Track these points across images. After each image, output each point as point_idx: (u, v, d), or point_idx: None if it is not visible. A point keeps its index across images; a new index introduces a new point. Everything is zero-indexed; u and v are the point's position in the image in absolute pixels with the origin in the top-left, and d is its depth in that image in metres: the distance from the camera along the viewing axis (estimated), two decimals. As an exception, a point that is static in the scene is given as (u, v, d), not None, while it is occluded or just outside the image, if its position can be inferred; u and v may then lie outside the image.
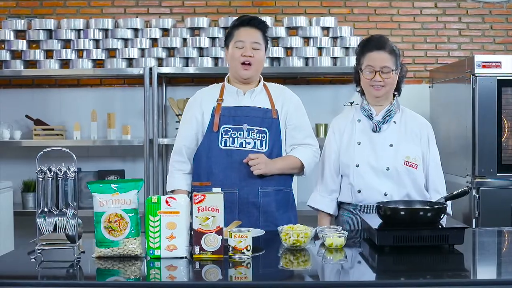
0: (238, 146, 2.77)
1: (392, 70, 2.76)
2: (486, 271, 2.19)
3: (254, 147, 2.78)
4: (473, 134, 3.80)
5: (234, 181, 2.75)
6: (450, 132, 4.13)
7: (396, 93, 2.88)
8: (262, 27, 2.86)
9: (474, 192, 3.76)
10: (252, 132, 2.78)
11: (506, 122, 3.86)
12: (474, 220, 3.76)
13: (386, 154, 2.77)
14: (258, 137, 2.79)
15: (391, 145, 2.78)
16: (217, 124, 2.79)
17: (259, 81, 2.91)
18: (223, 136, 2.78)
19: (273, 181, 2.80)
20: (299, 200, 3.83)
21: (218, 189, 2.19)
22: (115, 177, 4.37)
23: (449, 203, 2.79)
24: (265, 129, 2.80)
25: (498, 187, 3.78)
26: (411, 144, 2.80)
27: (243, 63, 2.80)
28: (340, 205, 2.90)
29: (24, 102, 4.61)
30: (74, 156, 2.18)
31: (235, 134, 2.79)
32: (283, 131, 2.86)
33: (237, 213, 2.75)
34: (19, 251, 2.54)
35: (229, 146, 2.78)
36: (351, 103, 4.33)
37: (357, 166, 2.77)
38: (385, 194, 2.73)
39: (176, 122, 4.45)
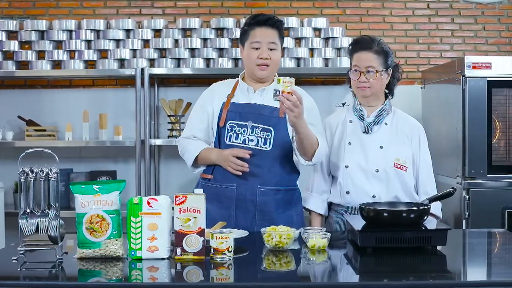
0: (241, 142, 2.76)
1: (377, 71, 2.76)
2: (469, 273, 2.19)
3: (257, 144, 2.76)
4: (463, 135, 3.78)
5: (233, 177, 2.74)
6: (441, 133, 4.13)
7: (389, 94, 2.88)
8: (278, 26, 2.84)
9: (464, 193, 3.75)
10: (256, 130, 2.76)
11: (497, 123, 3.84)
12: (464, 222, 3.75)
13: (376, 155, 2.76)
14: (262, 135, 2.76)
15: (381, 147, 2.78)
16: (224, 119, 2.79)
17: (273, 79, 2.89)
18: (229, 131, 2.78)
19: (274, 179, 2.77)
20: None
21: (200, 190, 2.19)
22: (107, 178, 4.37)
23: (439, 205, 2.80)
24: (270, 127, 2.77)
25: (488, 188, 3.77)
26: (402, 146, 2.80)
27: (259, 65, 2.79)
28: (330, 206, 2.90)
29: (16, 103, 4.61)
30: (56, 157, 2.19)
31: (240, 130, 2.78)
32: (290, 131, 2.79)
33: (234, 209, 2.75)
34: (4, 251, 2.55)
35: (233, 142, 2.77)
36: (343, 104, 4.33)
37: (347, 167, 2.77)
38: (373, 196, 2.72)
39: (168, 123, 4.45)
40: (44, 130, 4.45)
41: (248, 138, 2.77)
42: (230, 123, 2.79)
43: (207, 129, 2.87)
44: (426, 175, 2.85)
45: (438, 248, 2.29)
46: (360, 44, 2.82)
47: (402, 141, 2.81)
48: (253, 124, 2.74)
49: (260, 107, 2.80)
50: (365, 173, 2.76)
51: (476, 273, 2.20)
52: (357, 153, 2.78)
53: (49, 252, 2.15)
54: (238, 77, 2.93)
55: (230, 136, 2.77)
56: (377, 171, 2.74)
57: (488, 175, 3.76)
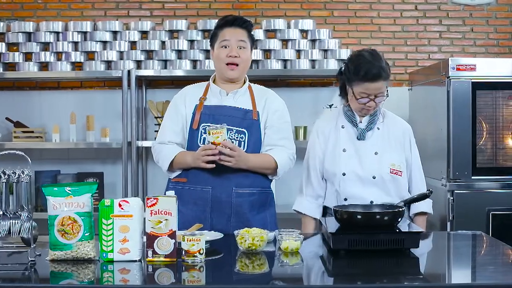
0: None
1: (386, 95, 2.74)
2: (442, 275, 2.19)
3: None
4: (448, 137, 3.78)
5: (208, 179, 2.74)
6: (427, 135, 4.13)
7: None
8: (247, 26, 2.85)
9: (449, 195, 3.74)
10: (230, 132, 2.75)
11: (484, 125, 3.84)
12: (449, 224, 3.75)
13: (371, 162, 2.76)
14: (237, 137, 2.76)
15: (376, 153, 2.78)
16: (197, 122, 2.79)
17: (244, 82, 2.90)
18: (202, 134, 2.77)
19: (248, 181, 2.77)
20: (279, 203, 3.75)
21: (172, 193, 2.19)
22: (94, 180, 4.37)
23: (430, 202, 2.80)
24: (244, 129, 2.77)
25: (472, 190, 3.76)
26: (395, 151, 2.81)
27: (229, 64, 2.79)
28: (325, 209, 2.89)
29: (4, 105, 4.62)
30: (29, 159, 2.19)
31: None
32: (263, 133, 2.84)
33: (209, 211, 2.75)
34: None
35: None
36: (331, 106, 4.33)
37: (344, 175, 2.76)
38: (371, 202, 2.72)
39: (155, 124, 4.45)
40: (32, 132, 4.46)
41: None
42: (203, 125, 2.78)
43: (182, 131, 2.85)
44: (418, 176, 2.88)
45: (420, 250, 2.29)
46: (371, 75, 2.66)
47: (395, 146, 2.82)
48: (227, 126, 2.74)
49: (233, 110, 2.80)
50: (362, 180, 2.76)
51: (452, 276, 2.19)
52: (352, 160, 2.77)
53: (22, 254, 2.15)
54: (208, 80, 2.92)
55: (204, 138, 2.76)
56: (374, 177, 2.74)
57: (472, 177, 3.75)
